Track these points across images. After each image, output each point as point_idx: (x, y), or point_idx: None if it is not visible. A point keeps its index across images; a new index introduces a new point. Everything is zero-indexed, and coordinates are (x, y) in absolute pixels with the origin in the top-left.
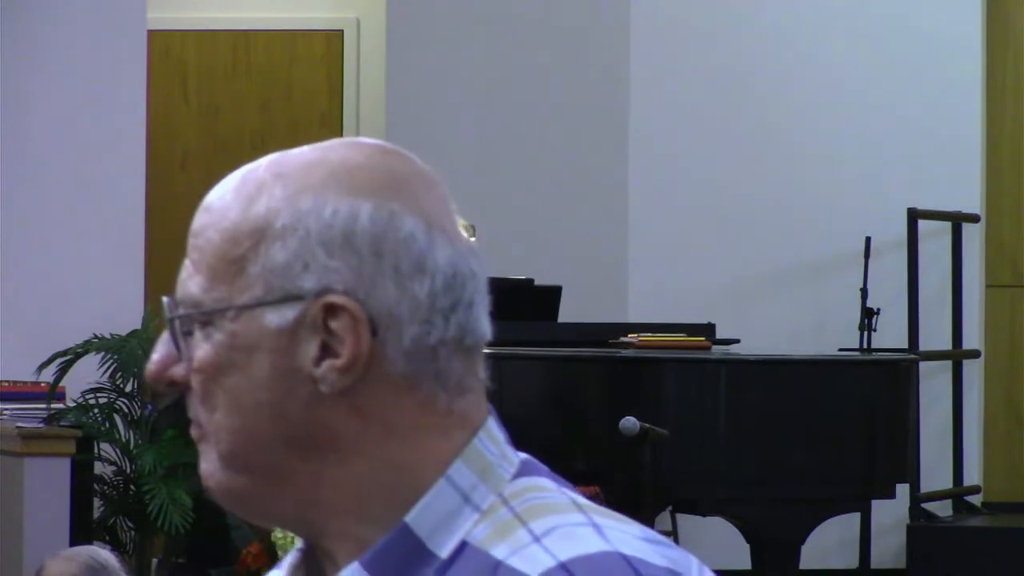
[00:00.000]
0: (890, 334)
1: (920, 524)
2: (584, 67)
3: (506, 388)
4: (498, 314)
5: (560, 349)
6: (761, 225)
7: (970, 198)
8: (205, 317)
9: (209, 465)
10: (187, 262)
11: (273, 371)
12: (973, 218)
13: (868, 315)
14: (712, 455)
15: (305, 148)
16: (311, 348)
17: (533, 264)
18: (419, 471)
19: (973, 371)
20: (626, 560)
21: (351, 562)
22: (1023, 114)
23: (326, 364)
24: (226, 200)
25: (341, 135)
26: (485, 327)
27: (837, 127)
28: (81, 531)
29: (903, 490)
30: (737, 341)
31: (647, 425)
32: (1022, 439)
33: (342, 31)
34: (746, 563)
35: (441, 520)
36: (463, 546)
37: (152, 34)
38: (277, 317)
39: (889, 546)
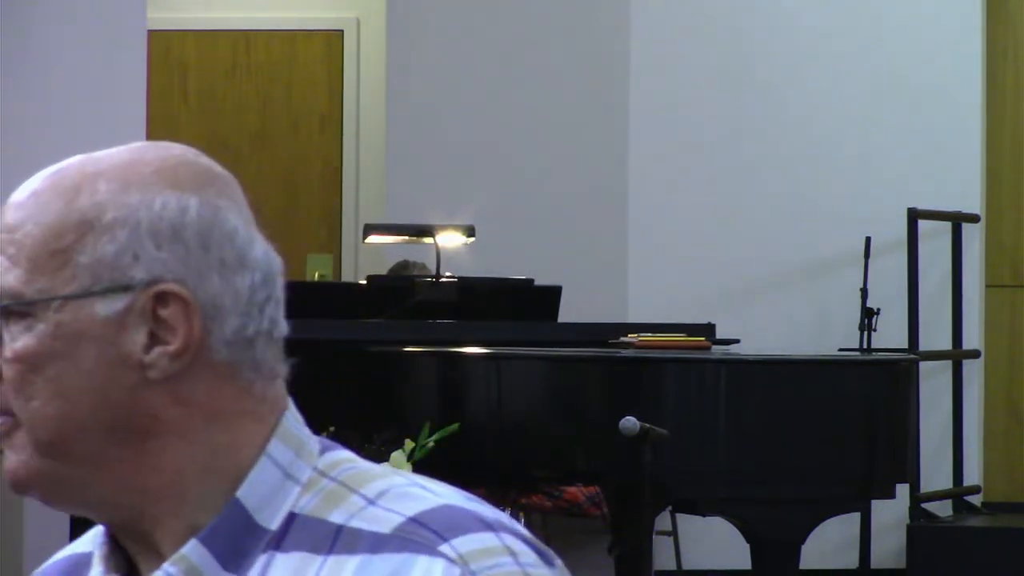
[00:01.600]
0: (890, 334)
1: (920, 524)
2: (584, 67)
3: (506, 388)
4: (498, 314)
5: (560, 349)
6: (761, 225)
7: (970, 198)
8: (26, 308)
9: (20, 455)
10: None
11: (100, 359)
12: (973, 218)
13: (868, 315)
14: (712, 455)
15: (114, 150)
16: (140, 336)
17: (533, 264)
18: (241, 453)
19: (973, 371)
20: (465, 510)
21: (179, 545)
22: (1023, 114)
23: (157, 350)
24: (43, 196)
25: (341, 135)
26: (284, 321)
27: (837, 127)
28: (81, 531)
29: (903, 490)
30: (737, 341)
31: (647, 425)
32: (1022, 439)
33: (342, 31)
34: (746, 563)
35: (267, 495)
36: (291, 517)
37: (152, 34)
38: (105, 307)
39: (889, 546)
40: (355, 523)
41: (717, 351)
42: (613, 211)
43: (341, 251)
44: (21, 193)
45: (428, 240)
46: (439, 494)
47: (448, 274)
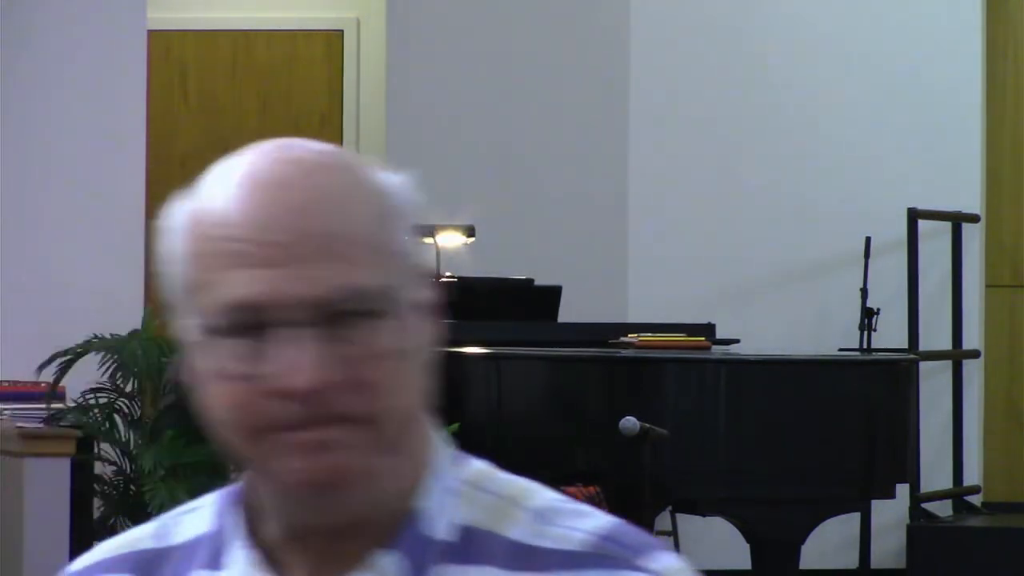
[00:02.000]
0: (890, 334)
1: (920, 524)
2: (584, 67)
3: (506, 388)
4: (498, 314)
5: (560, 349)
6: (761, 225)
7: (970, 198)
8: (381, 306)
9: (354, 456)
10: (323, 263)
11: (425, 347)
12: (973, 218)
13: (868, 315)
14: (712, 455)
15: (304, 146)
16: (427, 320)
17: (533, 264)
18: (417, 457)
19: (973, 371)
20: (635, 528)
21: (372, 547)
22: (1023, 114)
23: (430, 332)
24: (345, 195)
25: (341, 135)
26: None
27: (837, 127)
28: (81, 531)
29: (903, 490)
30: (737, 341)
31: (647, 425)
32: (1022, 439)
33: (342, 31)
34: (746, 563)
35: (435, 506)
36: (463, 530)
37: (152, 34)
38: (422, 293)
39: (889, 546)
40: (535, 540)
41: (717, 351)
42: (613, 211)
43: None
44: (305, 195)
45: (428, 240)
46: (596, 512)
47: (448, 274)
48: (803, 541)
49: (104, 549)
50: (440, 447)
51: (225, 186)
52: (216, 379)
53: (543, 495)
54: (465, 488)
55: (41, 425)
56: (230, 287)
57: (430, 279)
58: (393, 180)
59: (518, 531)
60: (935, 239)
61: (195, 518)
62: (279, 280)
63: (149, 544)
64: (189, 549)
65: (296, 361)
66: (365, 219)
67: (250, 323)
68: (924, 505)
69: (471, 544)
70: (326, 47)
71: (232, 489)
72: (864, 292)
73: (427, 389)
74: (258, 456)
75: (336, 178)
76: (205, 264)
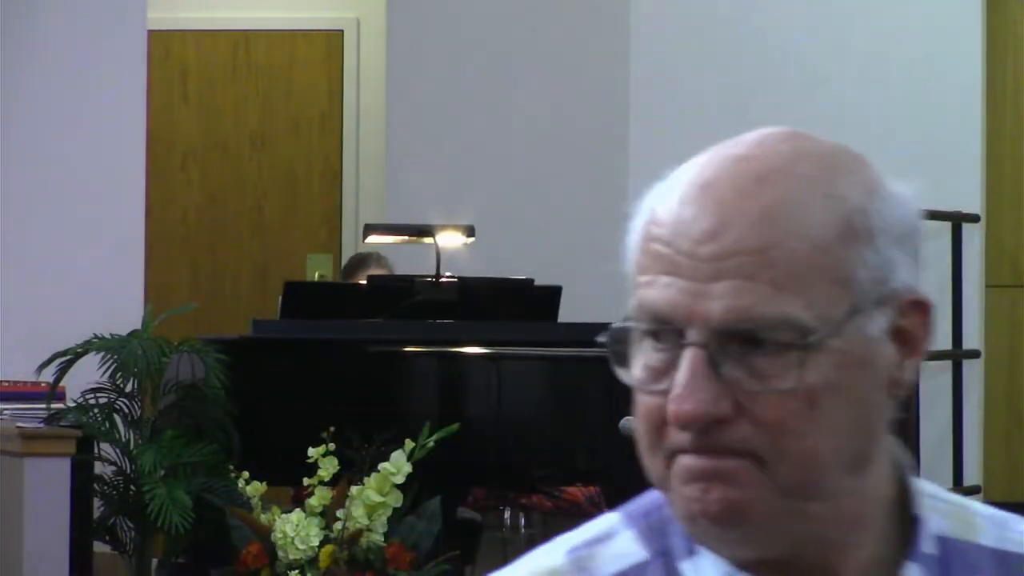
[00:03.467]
0: None
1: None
2: (584, 67)
3: (506, 388)
4: (498, 314)
5: (560, 349)
6: None
7: (970, 198)
8: (807, 339)
9: (748, 493)
10: (738, 283)
11: (869, 385)
12: (973, 218)
13: None
14: None
15: (772, 142)
16: (892, 353)
17: (533, 264)
18: (893, 466)
19: (973, 371)
20: None
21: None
22: (1023, 114)
23: (909, 365)
24: (786, 207)
25: (341, 135)
26: None
27: (837, 127)
28: (81, 531)
29: None
30: None
31: None
32: (1022, 439)
33: (342, 31)
34: None
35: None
36: (942, 541)
37: (152, 34)
38: (874, 326)
39: None
40: (1006, 546)
41: None
42: (613, 211)
43: (341, 251)
44: (745, 206)
45: (428, 240)
46: None
47: (448, 274)
48: None
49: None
50: (906, 478)
51: (677, 183)
52: (636, 383)
53: (970, 501)
54: (927, 499)
55: (41, 425)
56: (652, 291)
57: (909, 304)
58: (876, 195)
59: (986, 538)
60: (935, 239)
61: (613, 546)
62: (692, 295)
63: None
64: None
65: (684, 384)
66: (808, 241)
67: (667, 332)
68: None
69: (949, 556)
70: (326, 47)
71: (637, 511)
72: None
73: (873, 430)
74: (659, 476)
75: (786, 192)
76: (641, 261)
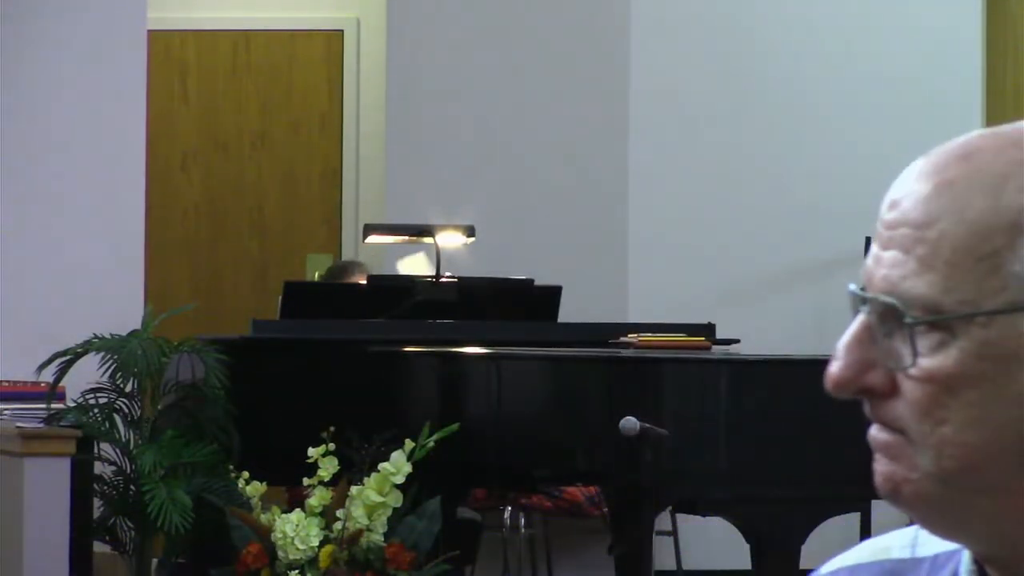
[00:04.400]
0: None
1: None
2: (584, 67)
3: (506, 388)
4: (498, 314)
5: (560, 349)
6: (761, 225)
7: None
8: (945, 321)
9: (907, 471)
10: (897, 255)
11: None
12: None
13: None
14: (712, 455)
15: (1005, 129)
16: None
17: (533, 264)
18: None
19: None
20: None
21: None
22: (1023, 114)
23: None
24: (960, 187)
25: (341, 135)
26: None
27: (837, 127)
28: (81, 531)
29: None
30: (737, 341)
31: (647, 425)
32: None
33: (342, 31)
34: (746, 563)
35: None
36: None
37: (152, 34)
38: None
39: None
40: None
41: (717, 351)
42: (613, 211)
43: (341, 251)
44: (922, 182)
45: (428, 240)
46: None
47: (448, 274)
48: (803, 541)
49: (858, 554)
50: None
51: None
52: None
53: None
54: None
55: (41, 425)
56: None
57: None
58: None
59: None
60: None
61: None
62: (874, 261)
63: (899, 554)
64: (936, 562)
65: (839, 348)
66: (969, 225)
67: (859, 295)
68: None
69: None
70: (326, 47)
71: None
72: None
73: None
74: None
75: (972, 173)
76: None
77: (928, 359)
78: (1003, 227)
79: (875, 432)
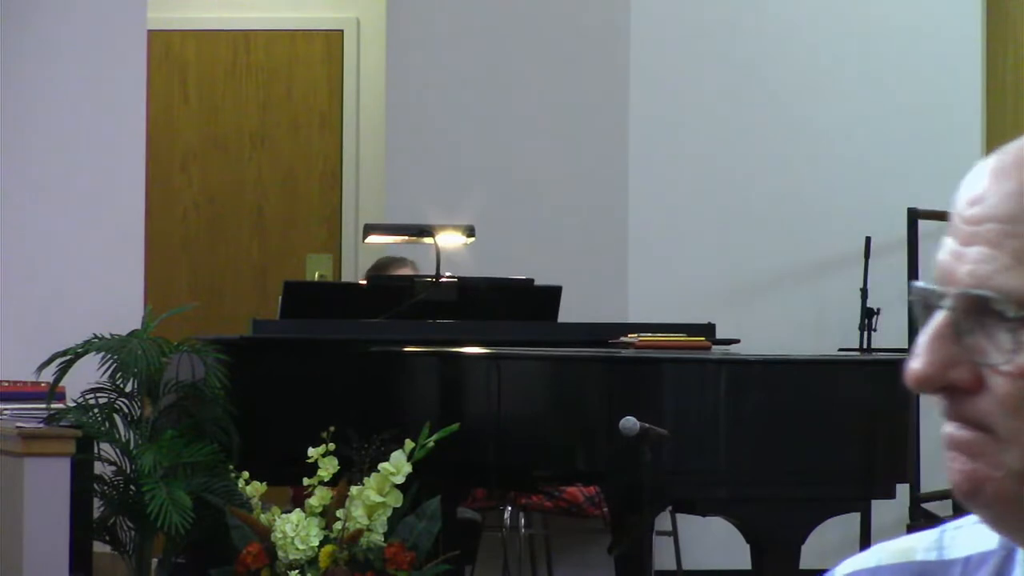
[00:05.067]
0: (890, 334)
1: (920, 524)
2: (584, 67)
3: (506, 388)
4: (498, 314)
5: (560, 349)
6: (761, 225)
7: None
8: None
9: (995, 471)
10: (985, 250)
11: None
12: None
13: (868, 315)
14: (712, 455)
15: None
16: None
17: (533, 264)
18: None
19: None
20: None
21: None
22: (1023, 114)
23: None
24: None
25: (341, 135)
26: None
27: (837, 127)
28: (81, 531)
29: (903, 490)
30: (737, 341)
31: (647, 425)
32: None
33: (342, 31)
34: (746, 563)
35: None
36: None
37: (152, 34)
38: None
39: None
40: None
41: (717, 351)
42: (613, 211)
43: (341, 251)
44: (1005, 178)
45: (428, 240)
46: None
47: (448, 274)
48: (803, 541)
49: (877, 556)
50: None
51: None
52: None
53: None
54: None
55: (41, 425)
56: (941, 248)
57: None
58: None
59: None
60: (935, 239)
61: (975, 532)
62: (954, 257)
63: (925, 556)
64: (969, 564)
65: (921, 344)
66: None
67: (937, 291)
68: (924, 505)
69: None
70: (326, 47)
71: None
72: (864, 292)
73: None
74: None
75: None
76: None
77: (1022, 355)
78: None
79: (954, 430)
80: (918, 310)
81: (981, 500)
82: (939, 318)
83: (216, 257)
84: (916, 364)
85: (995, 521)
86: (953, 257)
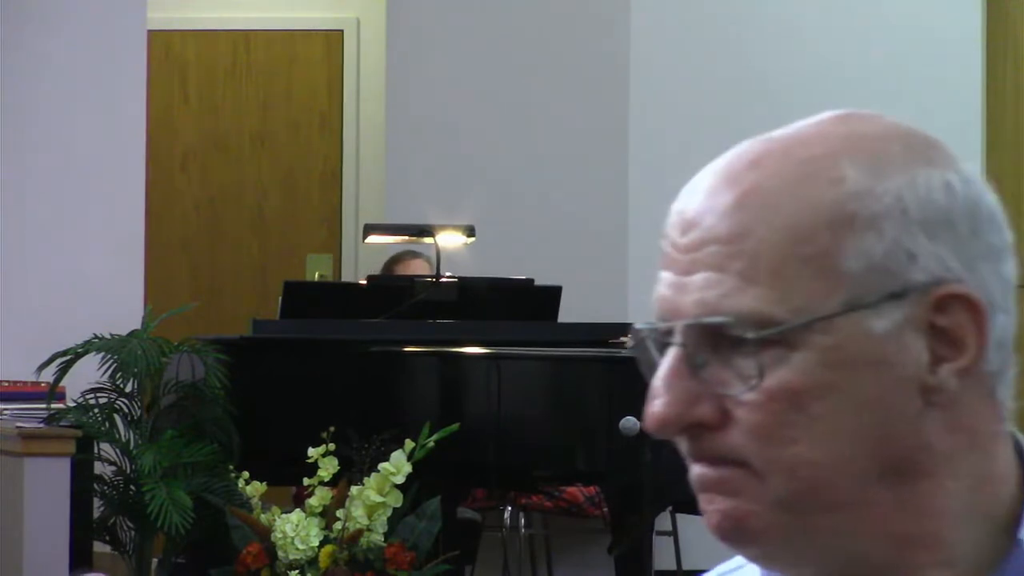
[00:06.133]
0: None
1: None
2: (584, 67)
3: (506, 388)
4: (498, 314)
5: (560, 349)
6: None
7: None
8: (780, 335)
9: (755, 505)
10: (709, 275)
11: (881, 387)
12: None
13: None
14: None
15: (795, 127)
16: (921, 353)
17: (533, 264)
18: (997, 484)
19: None
20: None
21: None
22: (1023, 114)
23: (945, 368)
24: (763, 193)
25: (341, 135)
26: None
27: None
28: (81, 531)
29: None
30: None
31: None
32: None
33: (342, 31)
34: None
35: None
36: None
37: (152, 34)
38: (881, 322)
39: None
40: None
41: None
42: (613, 211)
43: (341, 251)
44: (718, 196)
45: (428, 240)
46: None
47: (448, 274)
48: None
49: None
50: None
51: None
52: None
53: None
54: None
55: (41, 425)
56: (656, 288)
57: (943, 298)
58: (893, 178)
59: None
60: None
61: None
62: (676, 289)
63: None
64: None
65: (658, 386)
66: (786, 230)
67: (661, 328)
68: None
69: None
70: (326, 47)
71: None
72: None
73: (903, 437)
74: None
75: (772, 176)
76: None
77: (768, 378)
78: (823, 224)
79: (704, 469)
80: (642, 354)
81: (747, 538)
82: (671, 355)
83: (216, 257)
84: (656, 407)
85: (765, 558)
86: (674, 290)
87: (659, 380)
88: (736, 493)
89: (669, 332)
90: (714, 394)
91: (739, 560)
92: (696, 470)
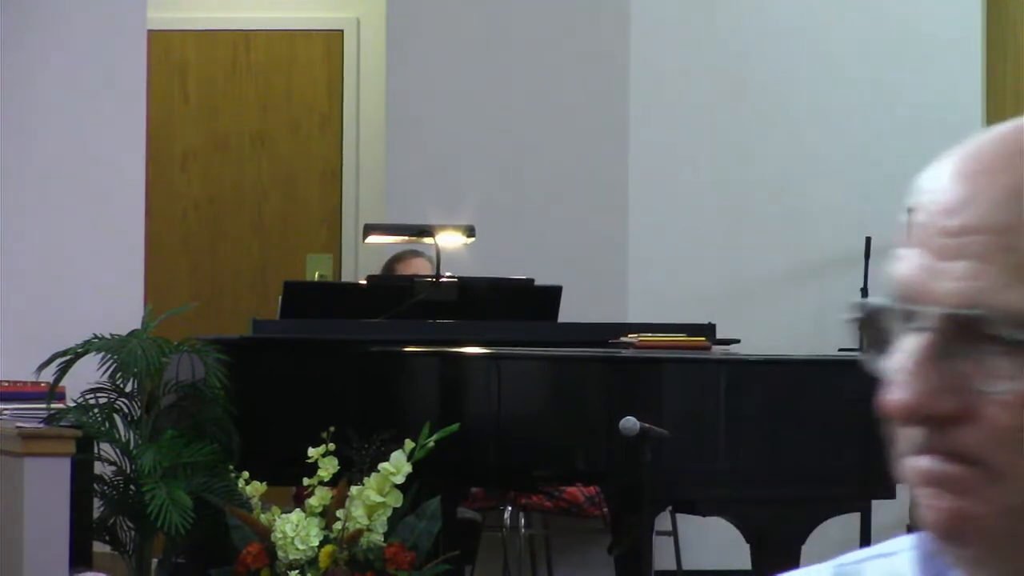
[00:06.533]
0: None
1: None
2: (584, 67)
3: (506, 388)
4: (498, 314)
5: (560, 349)
6: (761, 225)
7: None
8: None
9: (983, 507)
10: (972, 265)
11: None
12: None
13: None
14: (712, 455)
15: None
16: None
17: (533, 264)
18: None
19: None
20: None
21: None
22: (1023, 114)
23: None
24: None
25: (341, 135)
26: None
27: (837, 127)
28: (81, 531)
29: (903, 490)
30: (737, 341)
31: (647, 425)
32: None
33: (342, 31)
34: (746, 563)
35: None
36: None
37: (152, 34)
38: None
39: None
40: None
41: (717, 351)
42: (613, 211)
43: (341, 251)
44: (985, 183)
45: (428, 240)
46: None
47: (448, 274)
48: (803, 541)
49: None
50: None
51: (948, 155)
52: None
53: None
54: None
55: (41, 425)
56: (899, 265)
57: None
58: None
59: None
60: None
61: (888, 564)
62: (930, 272)
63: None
64: None
65: (902, 371)
66: None
67: (906, 310)
68: None
69: None
70: (326, 47)
71: None
72: (864, 292)
73: None
74: (905, 479)
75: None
76: (902, 235)
77: (1013, 381)
78: None
79: (934, 464)
80: (869, 329)
81: (967, 540)
82: (920, 341)
83: (216, 257)
84: (900, 394)
85: (976, 563)
86: (928, 274)
87: (906, 365)
88: (965, 492)
89: (912, 315)
90: (960, 387)
91: (886, 547)
92: (923, 463)
